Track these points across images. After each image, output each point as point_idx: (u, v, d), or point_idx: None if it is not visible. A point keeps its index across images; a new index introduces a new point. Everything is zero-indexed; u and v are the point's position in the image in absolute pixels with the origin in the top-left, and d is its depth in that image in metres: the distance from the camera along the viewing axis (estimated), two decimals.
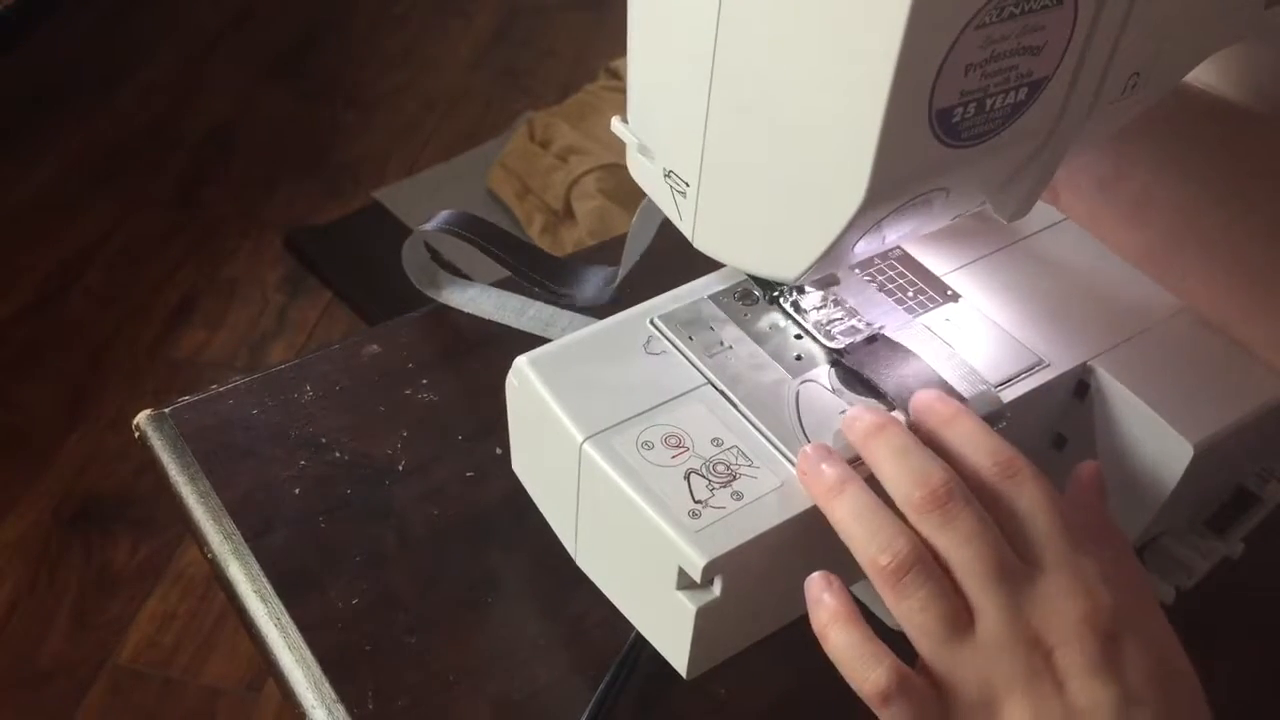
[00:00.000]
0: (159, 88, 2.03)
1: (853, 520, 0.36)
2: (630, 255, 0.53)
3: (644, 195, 0.43)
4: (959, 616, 0.34)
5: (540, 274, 0.57)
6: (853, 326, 0.45)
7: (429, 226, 0.57)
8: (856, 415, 0.39)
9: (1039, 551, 0.35)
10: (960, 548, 0.35)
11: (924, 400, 0.40)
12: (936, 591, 0.34)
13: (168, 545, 1.35)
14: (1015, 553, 0.35)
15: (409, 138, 1.95)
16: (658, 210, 0.43)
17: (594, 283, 0.56)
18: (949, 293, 0.48)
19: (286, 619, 0.47)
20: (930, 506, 0.35)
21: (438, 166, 1.88)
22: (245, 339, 1.61)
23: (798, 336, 0.45)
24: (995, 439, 0.38)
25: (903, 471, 0.36)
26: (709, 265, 0.47)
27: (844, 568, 0.37)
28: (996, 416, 0.42)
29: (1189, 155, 0.45)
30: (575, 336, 0.45)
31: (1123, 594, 0.35)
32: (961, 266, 0.49)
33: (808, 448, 0.38)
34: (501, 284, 0.61)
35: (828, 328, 0.45)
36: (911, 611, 0.34)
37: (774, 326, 0.45)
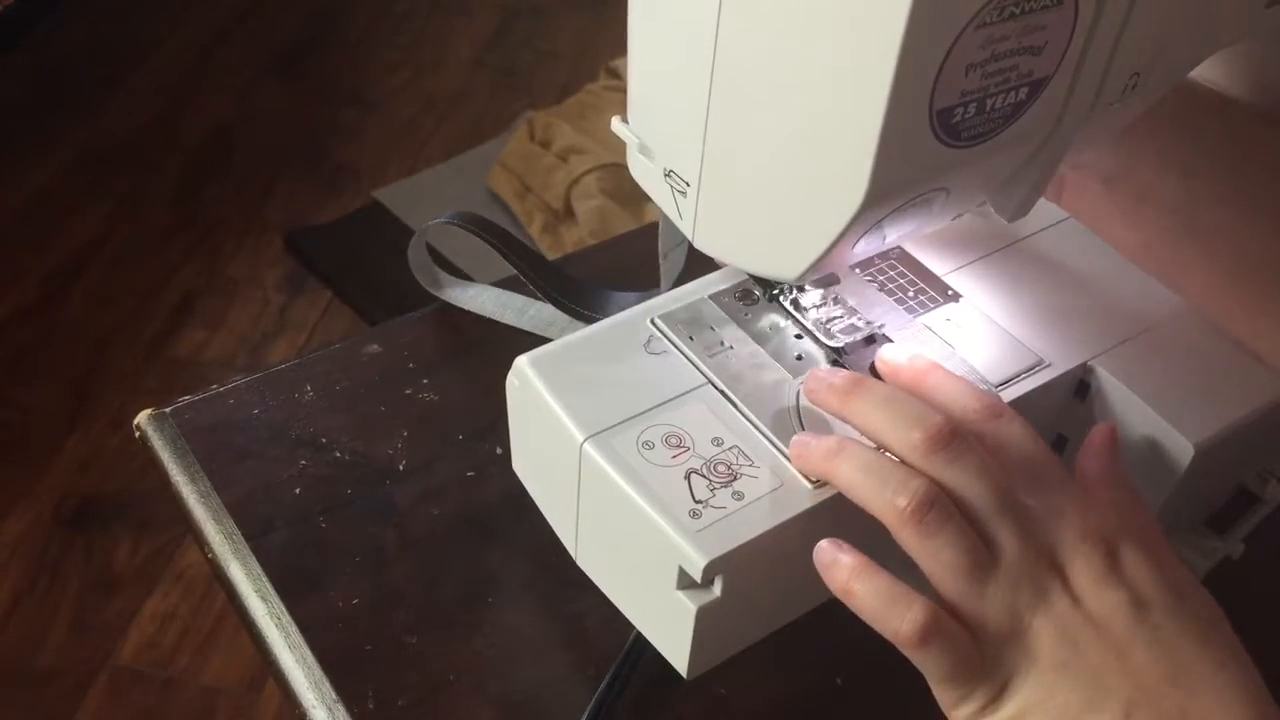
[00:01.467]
0: (159, 88, 2.03)
1: (861, 475, 0.36)
2: (667, 279, 0.53)
3: (644, 195, 0.43)
4: (982, 551, 0.35)
5: (569, 297, 0.56)
6: (852, 325, 0.45)
7: (444, 220, 0.57)
8: (823, 376, 0.39)
9: (1033, 481, 0.36)
10: (973, 483, 0.35)
11: (892, 360, 0.40)
12: (960, 527, 0.34)
13: (168, 545, 1.35)
14: None
15: (409, 138, 1.95)
16: (677, 231, 0.42)
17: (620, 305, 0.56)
18: (949, 292, 0.48)
19: (287, 619, 0.47)
20: (935, 446, 0.35)
21: (438, 166, 1.88)
22: (245, 339, 1.61)
23: (798, 336, 0.45)
24: (973, 386, 0.39)
25: (897, 418, 0.36)
26: (709, 265, 0.47)
27: None
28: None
29: (1191, 153, 0.45)
30: (575, 336, 0.45)
31: (1113, 511, 0.37)
32: (962, 266, 0.49)
33: (798, 435, 0.39)
34: (502, 284, 0.61)
35: (827, 326, 0.45)
36: (939, 550, 0.34)
37: (774, 326, 0.45)
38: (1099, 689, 0.34)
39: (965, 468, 0.35)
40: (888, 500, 0.35)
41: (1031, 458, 0.37)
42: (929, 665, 0.35)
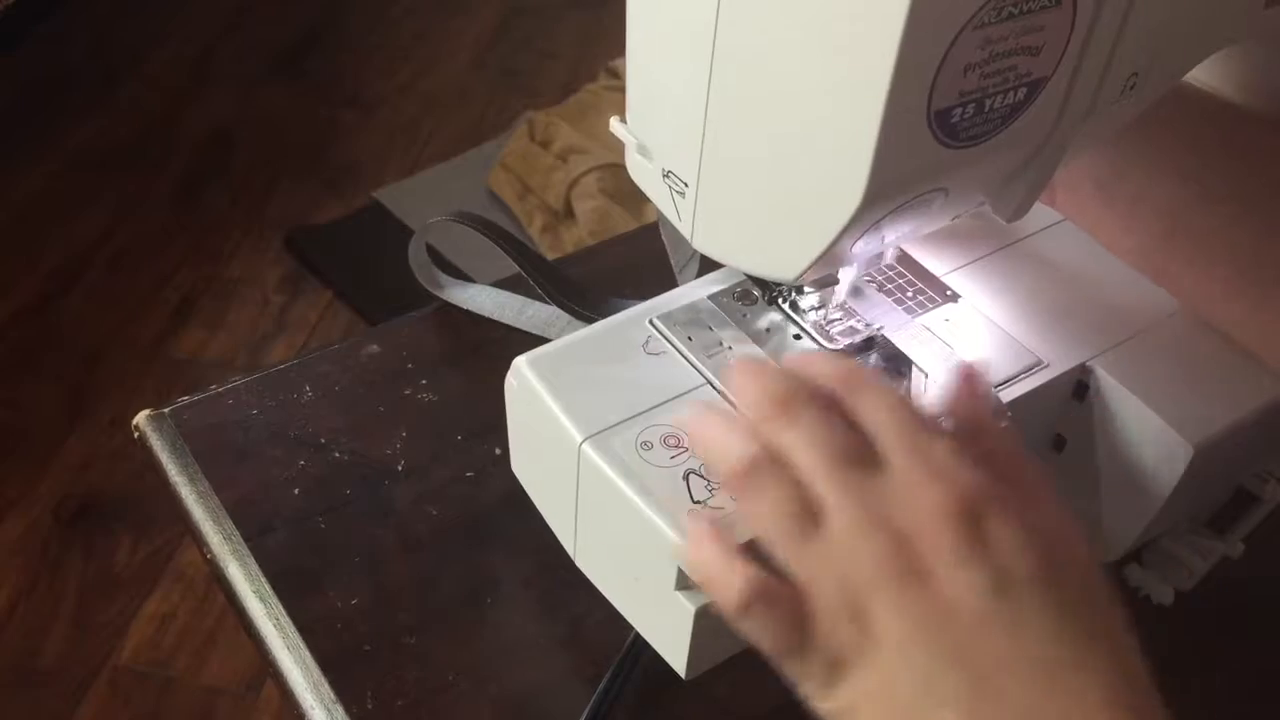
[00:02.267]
0: (159, 88, 2.03)
1: (709, 438, 0.36)
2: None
3: (644, 195, 0.43)
4: (809, 512, 0.33)
5: (569, 297, 0.56)
6: (851, 327, 0.45)
7: (445, 218, 0.57)
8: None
9: (887, 444, 0.34)
10: (804, 446, 0.34)
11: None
12: (786, 491, 0.33)
13: (168, 545, 1.35)
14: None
15: (409, 138, 1.96)
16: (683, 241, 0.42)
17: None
18: (948, 293, 0.48)
19: (285, 619, 0.47)
20: (774, 411, 0.35)
21: (438, 166, 1.88)
22: (245, 339, 1.61)
23: (796, 337, 0.45)
24: (840, 358, 0.38)
25: (751, 386, 0.36)
26: (708, 265, 0.47)
27: None
28: (997, 416, 0.42)
29: (1185, 156, 0.45)
30: (574, 337, 0.45)
31: (986, 467, 0.34)
32: (961, 267, 0.49)
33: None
34: (502, 284, 0.61)
35: (826, 328, 0.45)
36: (763, 513, 0.34)
37: (773, 327, 0.45)
38: (942, 680, 0.31)
39: (799, 430, 0.34)
40: (725, 466, 0.34)
41: (888, 419, 0.34)
42: (755, 636, 0.33)
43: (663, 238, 0.51)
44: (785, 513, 0.33)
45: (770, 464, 0.34)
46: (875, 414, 0.35)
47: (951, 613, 0.31)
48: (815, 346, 0.45)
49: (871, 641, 0.32)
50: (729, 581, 0.33)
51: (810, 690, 0.33)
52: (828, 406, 0.35)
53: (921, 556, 0.32)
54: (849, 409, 0.35)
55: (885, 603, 0.32)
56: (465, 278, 0.62)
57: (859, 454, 0.34)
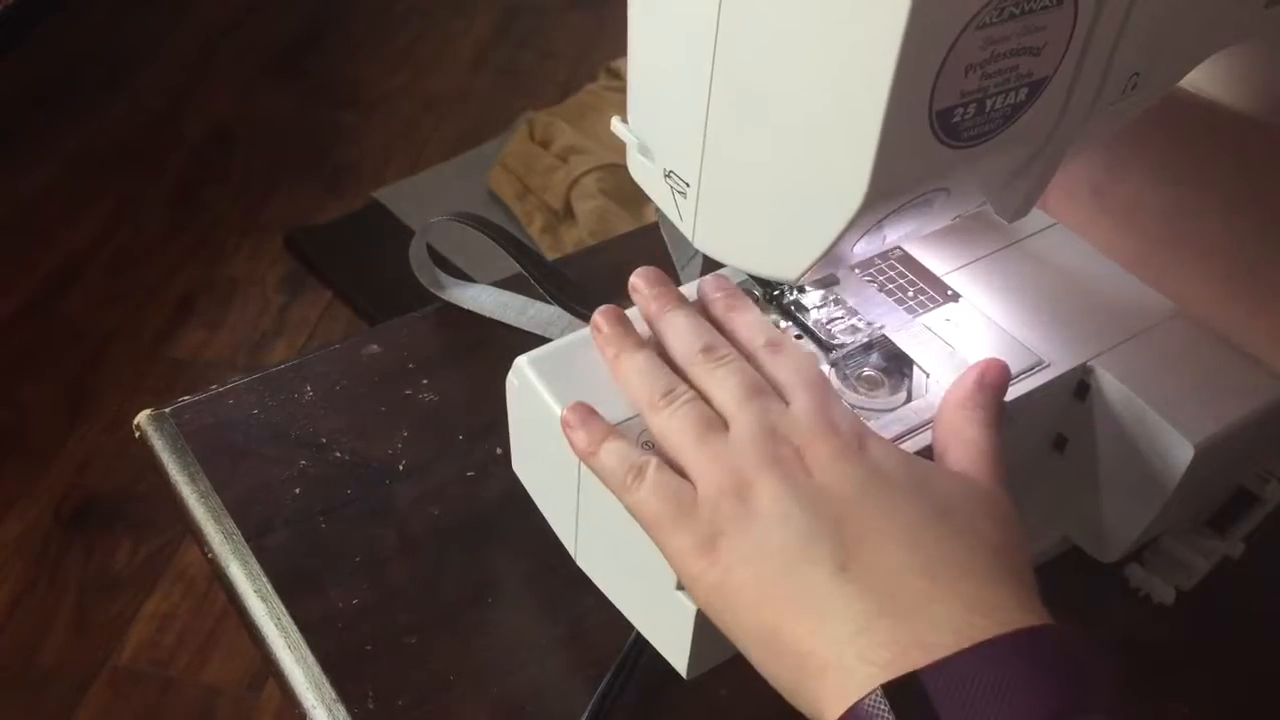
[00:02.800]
0: (159, 88, 2.03)
1: (635, 375, 0.40)
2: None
3: (644, 195, 0.43)
4: (716, 423, 0.37)
5: (570, 296, 0.56)
6: (852, 326, 0.45)
7: (445, 218, 0.57)
8: (643, 283, 0.42)
9: (793, 391, 0.38)
10: (722, 381, 0.38)
11: (709, 286, 0.43)
12: (701, 410, 0.38)
13: (168, 545, 1.35)
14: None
15: (409, 138, 1.96)
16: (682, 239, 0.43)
17: None
18: (949, 293, 0.48)
19: (287, 619, 0.47)
20: (703, 358, 0.39)
21: (438, 166, 1.89)
22: (245, 339, 1.61)
23: (798, 336, 0.45)
24: (770, 326, 0.42)
25: (685, 338, 0.40)
26: (710, 265, 0.47)
27: None
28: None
29: (1181, 160, 0.45)
30: (575, 336, 0.45)
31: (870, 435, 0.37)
32: (962, 266, 0.49)
33: (602, 311, 0.42)
34: (502, 284, 0.61)
35: (827, 327, 0.45)
36: (670, 423, 0.37)
37: (775, 325, 0.45)
38: (816, 543, 0.33)
39: (721, 370, 0.39)
40: (649, 398, 0.39)
41: (797, 376, 0.39)
42: (640, 509, 0.36)
43: (664, 237, 0.51)
44: (693, 419, 0.37)
45: (690, 394, 0.38)
46: (791, 373, 0.39)
47: (828, 491, 0.35)
48: (815, 346, 0.45)
49: (750, 511, 0.35)
50: (627, 466, 0.37)
51: (686, 566, 0.35)
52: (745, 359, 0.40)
53: (805, 450, 0.36)
54: (772, 369, 0.39)
55: (768, 482, 0.35)
56: (466, 278, 0.62)
57: (769, 390, 0.38)
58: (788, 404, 0.38)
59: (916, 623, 0.31)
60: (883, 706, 0.29)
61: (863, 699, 0.30)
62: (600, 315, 0.42)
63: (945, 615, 0.31)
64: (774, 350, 0.40)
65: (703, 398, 0.39)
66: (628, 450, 0.38)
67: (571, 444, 0.40)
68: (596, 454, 0.39)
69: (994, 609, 0.31)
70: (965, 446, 0.37)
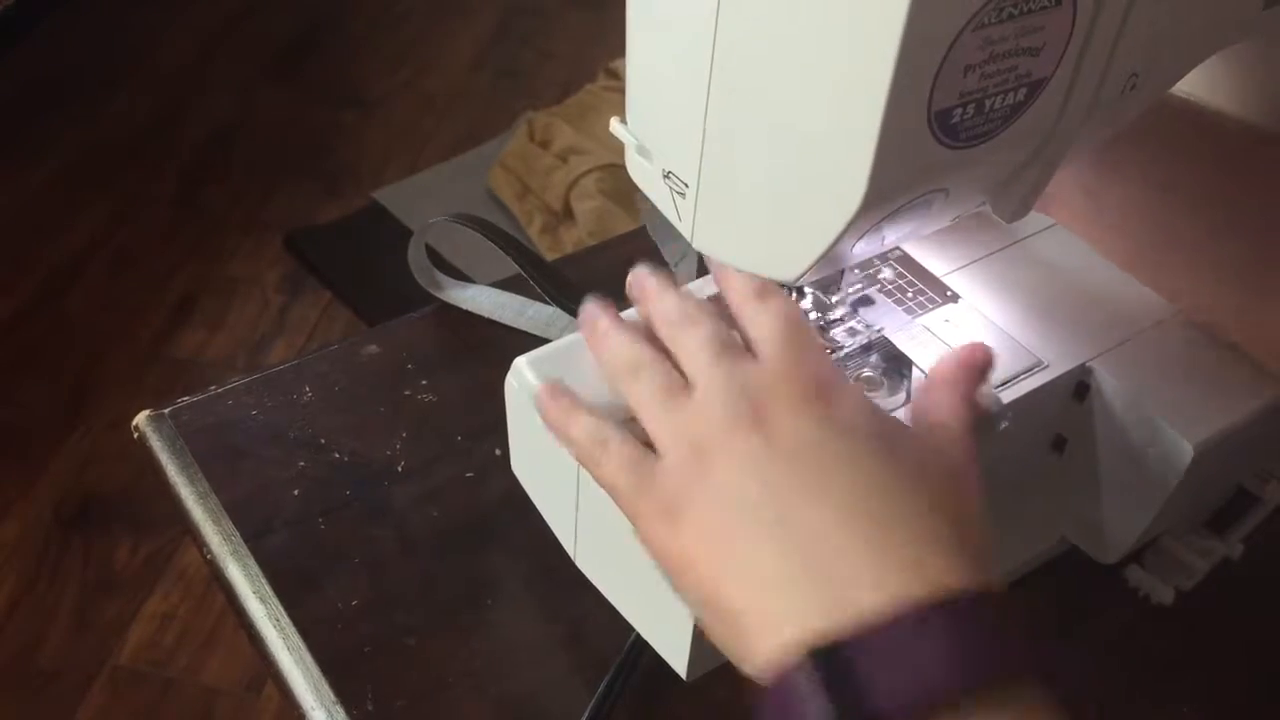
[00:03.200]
0: (159, 88, 2.03)
1: (609, 351, 0.39)
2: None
3: (643, 196, 0.43)
4: (679, 386, 0.37)
5: (569, 297, 0.56)
6: (852, 328, 0.45)
7: (443, 219, 0.57)
8: (638, 281, 0.42)
9: (764, 343, 0.37)
10: (689, 343, 0.38)
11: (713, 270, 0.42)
12: (664, 375, 0.37)
13: (168, 545, 1.35)
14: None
15: (409, 138, 1.95)
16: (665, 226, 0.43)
17: None
18: (948, 293, 0.48)
19: (286, 620, 0.47)
20: (679, 322, 0.39)
21: (438, 166, 1.88)
22: (245, 339, 1.61)
23: None
24: (758, 278, 0.40)
25: (667, 307, 0.40)
26: (702, 267, 0.47)
27: None
28: (998, 417, 0.42)
29: (1170, 166, 0.45)
30: (575, 337, 0.45)
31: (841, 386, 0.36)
32: (961, 267, 0.49)
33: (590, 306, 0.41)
34: (501, 284, 0.61)
35: (827, 328, 0.45)
36: (639, 391, 0.37)
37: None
38: (761, 509, 0.33)
39: (692, 331, 0.38)
40: (618, 366, 0.39)
41: (783, 328, 0.37)
42: (606, 482, 0.37)
43: (652, 237, 0.51)
44: (659, 384, 0.37)
45: (660, 360, 0.38)
46: (763, 322, 0.38)
47: (779, 450, 0.34)
48: None
49: (707, 476, 0.34)
50: (603, 440, 0.37)
51: (648, 535, 0.36)
52: (724, 317, 0.39)
53: (766, 409, 0.35)
54: (743, 322, 0.39)
55: (724, 447, 0.34)
56: (465, 278, 0.62)
57: (738, 347, 0.38)
58: (755, 358, 0.37)
59: (847, 585, 0.31)
60: (806, 667, 0.29)
61: (788, 660, 0.30)
62: (587, 303, 0.42)
63: (878, 578, 0.31)
64: (759, 301, 0.39)
65: (675, 364, 0.38)
66: (596, 425, 0.38)
67: (544, 419, 0.40)
68: (568, 430, 0.39)
69: (932, 573, 0.31)
70: (939, 420, 0.37)
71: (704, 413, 0.36)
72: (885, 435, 0.35)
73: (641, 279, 0.41)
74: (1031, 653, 0.30)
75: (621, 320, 0.41)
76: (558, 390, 0.40)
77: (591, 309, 0.42)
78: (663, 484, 0.35)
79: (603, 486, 0.37)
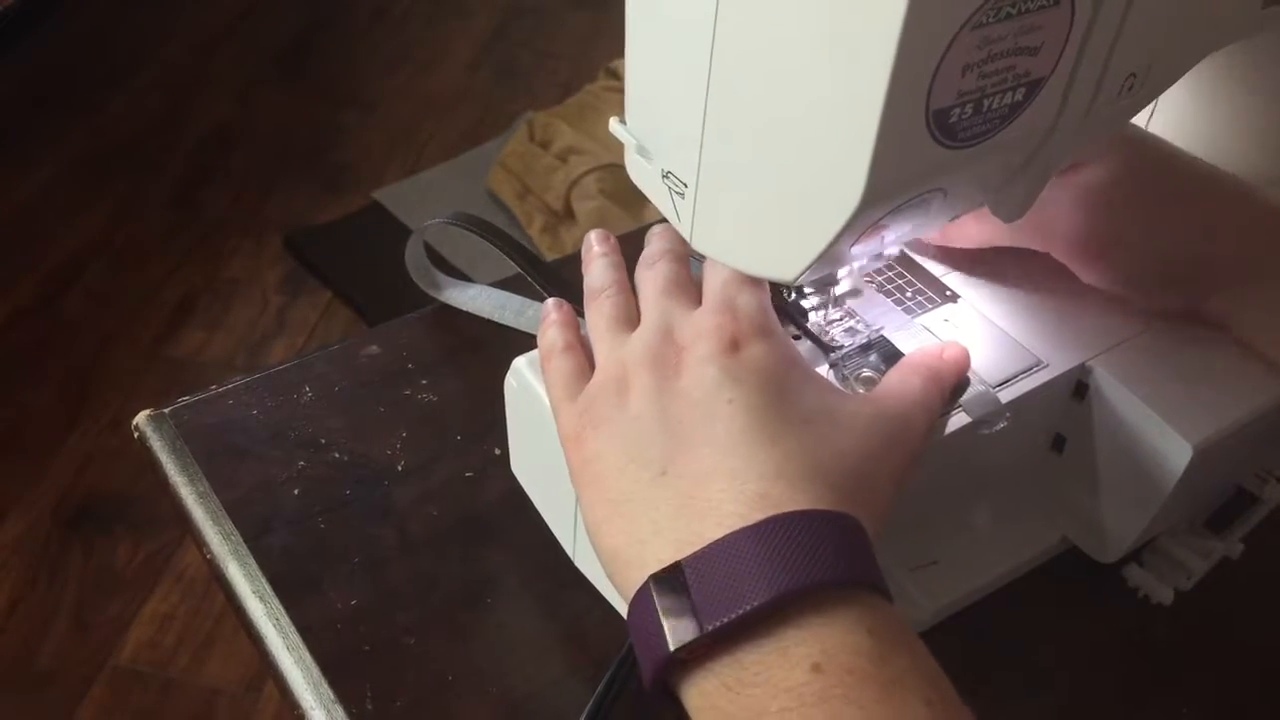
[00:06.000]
0: (159, 88, 2.03)
1: (590, 277, 0.43)
2: None
3: (643, 196, 0.43)
4: (628, 318, 0.40)
5: (568, 297, 0.57)
6: (851, 328, 0.45)
7: (438, 221, 0.57)
8: (654, 230, 0.44)
9: (709, 293, 0.40)
10: (647, 279, 0.41)
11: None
12: (621, 302, 0.41)
13: (168, 545, 1.35)
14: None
15: (409, 138, 1.96)
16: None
17: None
18: (948, 293, 0.48)
19: (285, 619, 0.47)
20: (646, 260, 0.42)
21: (438, 166, 1.88)
22: (245, 339, 1.61)
23: (796, 337, 0.45)
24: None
25: (650, 249, 0.43)
26: None
27: None
28: (996, 416, 0.42)
29: (1143, 205, 0.45)
30: None
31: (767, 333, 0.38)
32: (960, 267, 0.49)
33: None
34: (501, 285, 0.61)
35: (826, 328, 0.45)
36: (594, 314, 0.41)
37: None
38: (651, 443, 0.35)
39: (655, 270, 0.41)
40: (588, 291, 0.42)
41: (728, 279, 0.40)
42: (546, 384, 0.41)
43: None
44: (611, 313, 0.40)
45: (620, 287, 0.41)
46: (717, 269, 0.40)
47: (682, 394, 0.36)
48: (815, 347, 0.45)
49: (620, 407, 0.37)
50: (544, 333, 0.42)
51: (564, 445, 0.38)
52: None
53: (684, 353, 0.37)
54: (705, 272, 0.41)
55: (639, 382, 0.37)
56: (465, 278, 0.62)
57: (685, 292, 0.40)
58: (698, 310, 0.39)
59: (705, 521, 0.33)
60: (649, 591, 0.32)
61: (639, 589, 0.33)
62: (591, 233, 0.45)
63: (735, 512, 0.33)
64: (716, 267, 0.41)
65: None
66: (555, 337, 0.41)
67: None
68: (541, 336, 0.42)
69: (771, 503, 0.33)
70: (901, 387, 0.39)
71: (633, 345, 0.38)
72: (782, 382, 0.37)
73: (660, 229, 0.44)
74: (847, 568, 0.32)
75: (615, 253, 0.44)
76: (562, 303, 0.44)
77: (598, 235, 0.45)
78: (583, 402, 0.38)
79: (548, 384, 0.41)
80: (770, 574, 0.31)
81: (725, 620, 0.30)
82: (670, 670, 0.32)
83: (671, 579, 0.32)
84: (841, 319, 0.46)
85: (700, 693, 0.32)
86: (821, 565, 0.31)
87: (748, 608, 0.30)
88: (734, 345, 0.37)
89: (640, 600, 0.33)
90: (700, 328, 0.38)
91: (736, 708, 0.31)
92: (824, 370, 0.44)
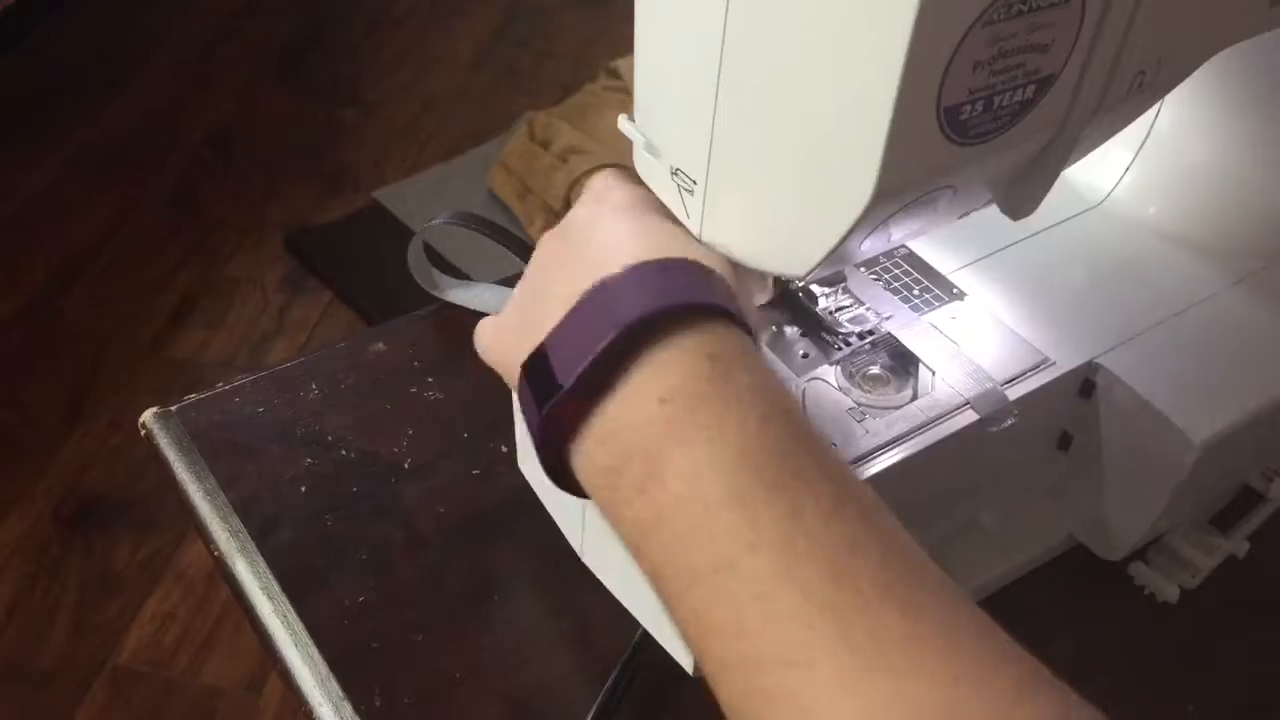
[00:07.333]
0: (159, 87, 2.03)
1: None
2: None
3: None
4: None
5: None
6: (860, 315, 0.45)
7: (439, 221, 0.57)
8: None
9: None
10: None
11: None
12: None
13: (168, 545, 1.35)
14: None
15: (409, 138, 1.95)
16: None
17: None
18: (955, 290, 0.48)
19: (293, 616, 0.47)
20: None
21: (438, 166, 1.88)
22: (245, 339, 1.60)
23: (803, 334, 0.45)
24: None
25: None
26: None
27: None
28: (1003, 414, 0.42)
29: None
30: None
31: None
32: (967, 264, 0.49)
33: None
34: (504, 283, 0.61)
35: (835, 314, 0.45)
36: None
37: (780, 325, 0.45)
38: (545, 270, 0.39)
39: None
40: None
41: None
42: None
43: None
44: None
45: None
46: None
47: (566, 229, 0.40)
48: (822, 345, 0.45)
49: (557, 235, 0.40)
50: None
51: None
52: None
53: (581, 201, 0.41)
54: None
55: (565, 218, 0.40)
56: (465, 278, 0.62)
57: (629, 171, 0.42)
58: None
59: (550, 303, 0.36)
60: (525, 383, 0.35)
61: (518, 385, 0.35)
62: None
63: (571, 294, 0.35)
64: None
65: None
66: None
67: None
68: None
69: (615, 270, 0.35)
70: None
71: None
72: (639, 210, 0.39)
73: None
74: (682, 292, 0.34)
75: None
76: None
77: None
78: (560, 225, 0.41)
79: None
80: (608, 319, 0.33)
81: (580, 370, 0.32)
82: (555, 445, 0.34)
83: (535, 362, 0.35)
84: (850, 306, 0.46)
85: (583, 456, 0.34)
86: (650, 295, 0.33)
87: (595, 353, 0.32)
88: (605, 194, 0.41)
89: (520, 392, 0.35)
90: (595, 188, 0.41)
91: (609, 458, 0.32)
92: (829, 368, 0.44)
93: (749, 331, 0.35)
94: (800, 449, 0.31)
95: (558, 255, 0.39)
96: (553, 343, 0.34)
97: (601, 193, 0.41)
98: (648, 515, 0.31)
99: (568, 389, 0.33)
